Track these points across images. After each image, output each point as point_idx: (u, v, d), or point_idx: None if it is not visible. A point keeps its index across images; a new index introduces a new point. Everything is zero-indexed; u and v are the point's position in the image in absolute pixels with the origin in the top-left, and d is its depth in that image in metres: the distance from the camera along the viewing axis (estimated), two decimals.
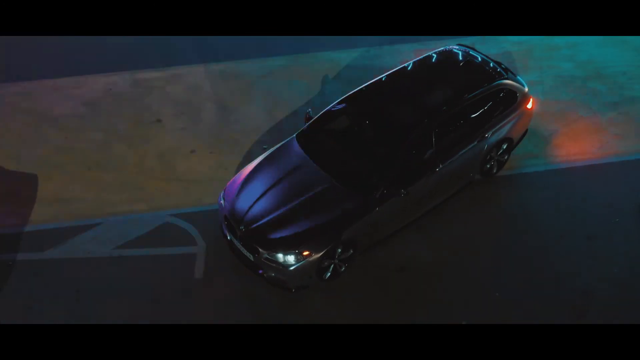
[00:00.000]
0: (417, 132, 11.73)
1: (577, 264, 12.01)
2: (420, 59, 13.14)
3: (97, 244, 12.16)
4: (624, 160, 13.64)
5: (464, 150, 12.22)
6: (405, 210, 11.90)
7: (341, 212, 11.20)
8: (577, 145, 13.86)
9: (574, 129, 14.17)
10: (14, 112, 14.40)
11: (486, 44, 15.51)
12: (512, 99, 12.77)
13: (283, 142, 12.34)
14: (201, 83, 15.18)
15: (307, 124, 12.37)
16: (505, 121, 12.63)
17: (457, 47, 13.44)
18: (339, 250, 11.29)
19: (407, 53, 15.36)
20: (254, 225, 11.17)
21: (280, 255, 10.96)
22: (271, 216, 11.21)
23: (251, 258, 11.28)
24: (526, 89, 13.03)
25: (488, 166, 12.96)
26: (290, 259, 10.95)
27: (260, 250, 11.07)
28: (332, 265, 11.44)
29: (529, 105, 13.07)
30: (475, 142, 12.33)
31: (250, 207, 11.36)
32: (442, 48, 13.44)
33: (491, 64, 13.03)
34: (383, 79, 12.66)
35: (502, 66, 13.15)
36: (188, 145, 13.85)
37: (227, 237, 11.72)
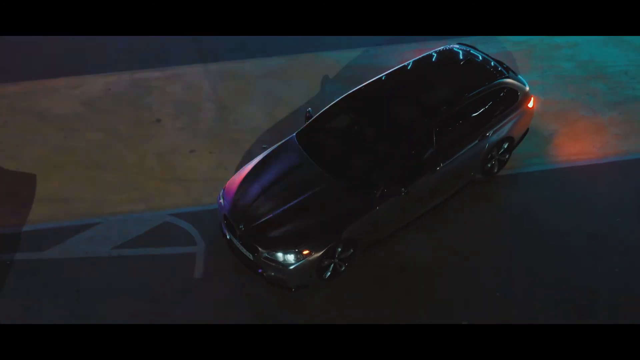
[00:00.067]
0: (417, 131, 11.69)
1: (578, 263, 11.97)
2: (420, 57, 13.11)
3: (96, 244, 12.12)
4: (625, 160, 13.62)
5: (464, 149, 12.17)
6: (405, 209, 11.85)
7: (341, 210, 11.15)
8: (578, 144, 13.82)
9: (575, 128, 14.14)
10: (13, 112, 14.36)
11: (487, 43, 15.47)
12: (513, 98, 12.73)
13: (282, 141, 12.29)
14: (201, 83, 15.15)
15: (307, 122, 12.33)
16: (506, 120, 12.59)
17: (457, 46, 13.41)
18: (339, 249, 11.24)
19: (407, 53, 15.31)
20: (254, 224, 11.13)
21: (279, 254, 10.91)
22: (271, 215, 11.16)
23: (251, 257, 11.23)
24: (527, 88, 12.99)
25: (489, 165, 12.92)
26: (290, 258, 10.90)
27: (259, 249, 11.02)
28: (332, 265, 11.39)
29: (530, 105, 13.03)
30: (476, 141, 12.29)
31: (250, 206, 11.31)
32: (442, 47, 13.41)
33: (492, 63, 13.00)
34: (383, 78, 12.63)
35: (503, 65, 13.11)
36: (187, 145, 13.81)
37: (226, 236, 11.67)
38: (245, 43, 16.04)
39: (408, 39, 15.96)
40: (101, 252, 12.02)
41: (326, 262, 11.24)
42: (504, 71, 12.88)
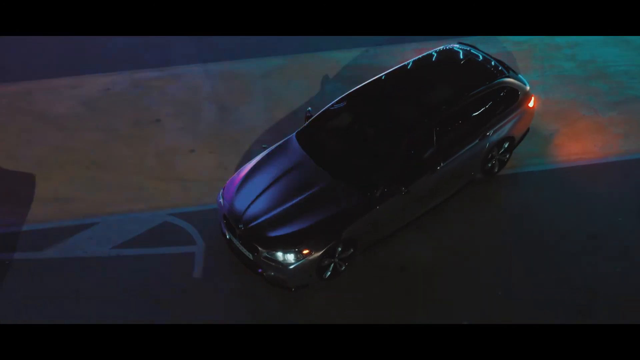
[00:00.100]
0: (417, 130, 11.65)
1: (579, 263, 11.93)
2: (420, 57, 13.07)
3: (96, 244, 12.08)
4: (625, 160, 13.58)
5: (465, 149, 12.13)
6: (405, 209, 11.81)
7: (341, 210, 11.11)
8: (579, 144, 13.78)
9: (576, 128, 14.11)
10: (12, 112, 14.34)
11: (487, 43, 15.42)
12: (513, 98, 12.70)
13: (282, 140, 12.25)
14: (200, 83, 15.12)
15: (307, 122, 12.29)
16: (506, 120, 12.55)
17: (457, 46, 13.38)
18: (339, 249, 11.20)
19: (407, 53, 15.28)
20: (253, 224, 11.09)
21: (279, 254, 10.87)
22: (270, 214, 11.12)
23: (250, 257, 11.19)
24: (528, 88, 12.96)
25: (489, 165, 12.88)
26: (290, 257, 10.85)
27: (259, 248, 10.98)
28: (332, 264, 11.34)
29: (531, 104, 12.99)
30: (477, 141, 12.25)
31: (250, 205, 11.27)
32: (442, 46, 13.38)
33: (492, 62, 12.97)
34: (383, 77, 12.59)
35: (504, 64, 13.08)
36: (187, 144, 13.77)
37: (226, 236, 11.64)
38: (245, 43, 16.00)
39: (408, 39, 15.92)
40: (100, 251, 11.99)
41: (326, 262, 11.20)
42: (505, 70, 12.85)
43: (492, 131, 12.38)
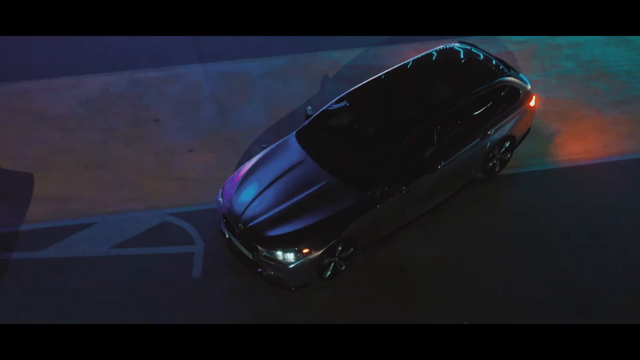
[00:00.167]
0: (418, 129, 11.58)
1: (581, 263, 11.85)
2: (421, 56, 13.04)
3: (94, 243, 12.02)
4: (627, 159, 13.51)
5: (466, 148, 12.07)
6: (406, 208, 11.74)
7: (341, 209, 11.05)
8: (581, 144, 13.72)
9: (577, 128, 14.05)
10: (11, 111, 14.30)
11: (488, 43, 15.36)
12: (514, 97, 12.64)
13: (282, 139, 12.20)
14: (200, 83, 15.07)
15: (307, 121, 12.23)
16: (507, 119, 12.49)
17: (458, 45, 13.34)
18: (340, 248, 11.13)
19: (407, 53, 15.21)
20: (253, 223, 11.02)
21: (279, 253, 10.79)
22: (270, 213, 11.06)
23: (250, 256, 11.12)
24: (529, 87, 12.90)
25: (490, 164, 12.81)
26: (290, 256, 10.78)
27: (259, 248, 10.91)
28: (333, 264, 11.27)
29: (532, 103, 12.93)
30: (478, 140, 12.19)
31: (249, 204, 11.21)
32: (443, 46, 13.33)
33: (493, 61, 12.92)
34: (383, 77, 12.55)
35: (505, 63, 13.02)
36: (186, 144, 13.72)
37: (225, 235, 11.57)
38: (245, 43, 15.96)
39: (408, 39, 15.88)
40: (99, 251, 11.93)
41: (326, 261, 11.13)
42: (505, 69, 12.79)
43: (493, 130, 12.32)
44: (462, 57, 12.91)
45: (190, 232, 12.18)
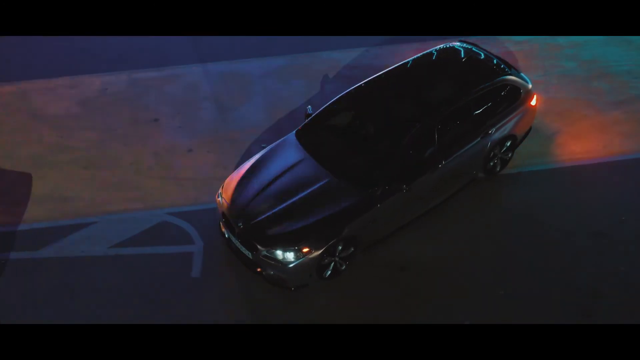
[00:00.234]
0: (418, 128, 11.51)
1: (583, 262, 11.78)
2: (421, 55, 12.99)
3: (93, 243, 11.95)
4: (628, 159, 13.45)
5: (467, 147, 12.00)
6: (407, 208, 11.67)
7: (342, 208, 10.96)
8: (582, 144, 13.66)
9: (578, 127, 13.99)
10: (9, 111, 14.25)
11: (488, 43, 15.30)
12: (515, 96, 12.57)
13: (282, 138, 12.13)
14: (199, 83, 15.01)
15: (307, 120, 12.16)
16: (508, 118, 12.43)
17: (459, 44, 13.28)
18: (340, 247, 11.05)
19: (407, 53, 15.12)
20: (252, 222, 10.95)
21: (279, 252, 10.71)
22: (270, 212, 10.98)
23: (250, 256, 11.04)
24: (530, 86, 12.84)
25: (491, 164, 12.74)
26: (290, 256, 10.69)
27: (258, 247, 10.83)
28: (333, 263, 11.19)
29: (533, 102, 12.87)
30: (479, 139, 12.12)
31: (249, 203, 11.14)
32: (443, 45, 13.27)
33: (494, 60, 12.87)
34: (384, 76, 12.48)
35: (506, 62, 12.96)
36: (185, 144, 13.65)
37: (225, 235, 11.49)
38: (245, 43, 15.91)
39: (409, 38, 15.83)
40: (97, 251, 11.85)
41: (326, 261, 11.05)
42: (506, 68, 12.73)
43: (494, 129, 12.26)
44: (462, 56, 12.85)
45: (189, 231, 12.11)
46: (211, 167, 13.18)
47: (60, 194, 12.69)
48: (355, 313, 11.09)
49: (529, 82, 12.89)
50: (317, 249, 10.75)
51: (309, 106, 12.50)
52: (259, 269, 11.09)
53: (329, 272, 11.25)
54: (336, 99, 12.23)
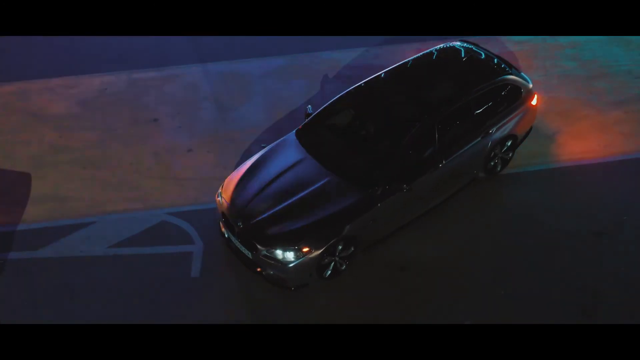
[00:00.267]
0: (418, 127, 11.48)
1: (584, 262, 11.74)
2: (421, 54, 12.96)
3: (92, 243, 11.92)
4: (630, 159, 13.41)
5: (467, 147, 11.97)
6: (407, 207, 11.63)
7: (342, 208, 10.92)
8: (583, 143, 13.63)
9: (579, 127, 13.96)
10: (9, 111, 14.23)
11: (489, 43, 15.27)
12: (516, 95, 12.54)
13: (282, 138, 12.10)
14: (199, 83, 14.99)
15: (307, 119, 12.13)
16: (509, 117, 12.39)
17: (459, 43, 13.25)
18: (340, 247, 11.01)
19: (407, 53, 15.13)
20: (252, 221, 10.91)
21: (279, 252, 10.67)
22: (270, 212, 10.94)
23: (249, 255, 11.01)
24: (530, 85, 12.81)
25: (492, 164, 12.71)
26: (290, 255, 10.66)
27: (258, 246, 10.79)
28: (333, 263, 11.15)
29: (534, 102, 12.84)
30: (479, 139, 12.08)
31: (249, 203, 11.10)
32: (443, 44, 13.24)
33: (494, 60, 12.83)
34: (384, 75, 12.45)
35: (506, 62, 12.94)
36: (185, 144, 13.63)
37: (224, 234, 11.46)
38: (245, 43, 15.90)
39: (409, 39, 15.81)
40: (97, 251, 11.82)
41: (326, 260, 11.01)
42: (507, 68, 12.70)
43: (494, 129, 12.22)
44: (463, 55, 12.83)
45: (189, 231, 12.08)
46: (211, 167, 13.15)
47: (60, 194, 12.67)
48: (355, 313, 11.05)
49: (530, 82, 12.86)
50: (317, 249, 10.71)
51: (309, 106, 12.46)
52: (258, 269, 11.05)
53: (329, 271, 11.21)
54: (336, 99, 12.20)
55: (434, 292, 11.35)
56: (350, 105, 12.05)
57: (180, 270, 11.56)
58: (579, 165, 13.28)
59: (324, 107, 12.17)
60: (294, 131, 12.10)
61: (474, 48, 13.12)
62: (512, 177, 13.05)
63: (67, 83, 14.88)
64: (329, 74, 15.16)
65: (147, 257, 11.75)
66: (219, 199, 11.51)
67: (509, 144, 12.71)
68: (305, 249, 10.66)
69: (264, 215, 10.93)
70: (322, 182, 11.22)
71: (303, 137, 11.92)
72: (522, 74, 13.02)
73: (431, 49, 13.10)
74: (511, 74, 12.57)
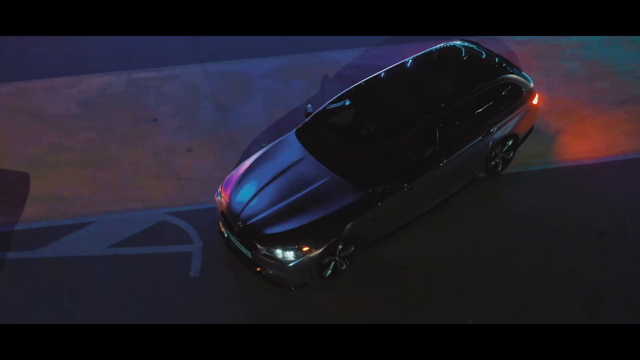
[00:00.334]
0: (419, 127, 11.44)
1: (585, 262, 11.70)
2: (422, 53, 12.95)
3: (91, 243, 11.88)
4: (631, 158, 13.38)
5: (468, 146, 11.93)
6: (408, 207, 11.59)
7: (342, 207, 10.87)
8: (585, 143, 13.60)
9: (581, 127, 13.93)
10: (8, 111, 14.20)
11: (490, 43, 15.21)
12: (517, 94, 12.50)
13: (282, 137, 12.06)
14: (199, 83, 14.96)
15: (307, 118, 12.10)
16: (510, 117, 12.35)
17: (460, 42, 13.22)
18: (340, 246, 10.97)
19: (407, 53, 15.02)
20: (252, 221, 10.86)
21: (279, 251, 10.63)
22: (270, 211, 10.89)
23: (249, 255, 10.96)
24: (531, 84, 12.77)
25: (493, 163, 12.67)
26: (290, 255, 10.61)
27: (258, 246, 10.75)
28: (333, 263, 11.11)
29: (535, 101, 12.80)
30: (480, 138, 12.04)
31: (248, 202, 11.06)
32: (444, 43, 13.21)
33: (495, 59, 12.80)
34: (384, 74, 12.42)
35: (507, 61, 12.91)
36: (185, 144, 13.60)
37: (224, 234, 11.42)
38: (245, 43, 15.87)
39: (409, 39, 15.78)
40: (96, 251, 11.78)
41: (327, 260, 10.96)
42: (508, 67, 12.66)
43: (495, 128, 12.18)
44: (463, 54, 12.79)
45: (188, 231, 12.04)
46: (211, 167, 13.11)
47: (60, 194, 12.63)
48: (355, 313, 11.01)
49: (531, 81, 12.83)
50: (317, 248, 10.66)
51: (309, 105, 12.43)
52: (258, 269, 11.01)
53: (329, 271, 11.16)
54: (336, 98, 12.17)
55: (434, 292, 11.31)
56: (350, 103, 12.01)
57: (179, 270, 11.52)
58: (581, 165, 13.24)
59: (324, 106, 12.14)
60: (294, 130, 12.05)
61: (474, 47, 13.09)
62: (513, 177, 13.01)
63: (67, 83, 14.85)
64: (329, 74, 15.13)
65: (147, 257, 11.71)
66: (218, 198, 11.47)
67: (510, 143, 12.67)
68: (305, 249, 10.61)
69: (263, 215, 10.89)
70: (322, 181, 11.17)
71: (303, 136, 11.88)
72: (523, 73, 12.98)
73: (432, 48, 13.05)
74: (512, 72, 12.53)
